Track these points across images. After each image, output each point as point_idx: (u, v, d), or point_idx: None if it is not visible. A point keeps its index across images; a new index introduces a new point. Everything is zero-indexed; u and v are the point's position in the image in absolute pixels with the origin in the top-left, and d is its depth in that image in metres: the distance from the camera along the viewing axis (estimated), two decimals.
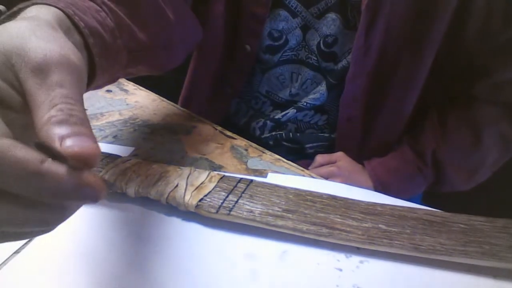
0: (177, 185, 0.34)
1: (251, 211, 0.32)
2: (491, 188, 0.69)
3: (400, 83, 0.53)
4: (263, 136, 0.61)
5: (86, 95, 0.24)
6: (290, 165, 0.43)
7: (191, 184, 0.34)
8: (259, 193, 0.34)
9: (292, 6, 0.52)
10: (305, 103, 0.57)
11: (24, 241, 0.30)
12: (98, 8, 0.32)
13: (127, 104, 0.53)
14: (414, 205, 0.35)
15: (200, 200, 0.32)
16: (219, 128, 0.49)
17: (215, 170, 0.40)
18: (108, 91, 0.57)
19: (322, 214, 0.32)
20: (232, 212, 0.32)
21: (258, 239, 0.32)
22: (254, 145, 0.46)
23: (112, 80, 0.37)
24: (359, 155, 0.59)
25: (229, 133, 0.48)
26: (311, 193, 0.35)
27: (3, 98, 0.20)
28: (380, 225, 0.31)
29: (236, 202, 0.33)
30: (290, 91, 0.58)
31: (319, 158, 0.58)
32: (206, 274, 0.29)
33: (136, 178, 0.34)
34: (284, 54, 0.56)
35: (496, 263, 0.29)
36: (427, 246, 0.30)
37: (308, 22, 0.53)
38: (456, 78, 0.57)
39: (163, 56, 0.43)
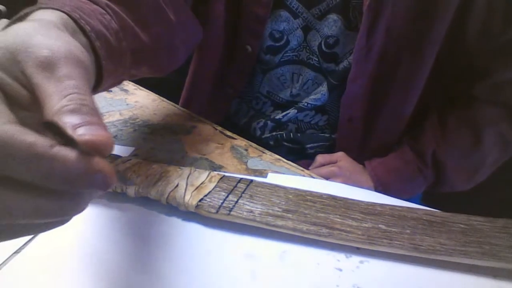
0: (177, 185, 0.34)
1: (251, 211, 0.32)
2: (491, 188, 0.69)
3: (401, 84, 0.53)
4: (263, 136, 0.61)
5: None
6: (290, 165, 0.43)
7: (191, 184, 0.34)
8: (259, 193, 0.34)
9: (293, 7, 0.52)
10: (306, 104, 0.57)
11: (24, 241, 0.30)
12: (103, 11, 0.32)
13: (127, 104, 0.53)
14: (414, 205, 0.35)
15: (200, 200, 0.32)
16: (219, 128, 0.49)
17: (215, 170, 0.40)
18: (108, 91, 0.57)
19: (322, 214, 0.32)
20: (232, 212, 0.32)
21: (258, 239, 0.32)
22: (254, 145, 0.46)
23: (117, 82, 0.37)
24: (360, 155, 0.59)
25: (229, 133, 0.48)
26: (311, 193, 0.35)
27: (11, 94, 0.19)
28: (380, 225, 0.31)
29: (236, 202, 0.33)
30: (291, 92, 0.58)
31: (320, 158, 0.58)
32: (206, 274, 0.29)
33: (136, 178, 0.34)
34: (285, 55, 0.56)
35: (496, 263, 0.29)
36: (427, 246, 0.30)
37: (310, 23, 0.53)
38: (456, 79, 0.57)
39: (165, 57, 0.43)
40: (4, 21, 0.22)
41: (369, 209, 0.33)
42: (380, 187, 0.57)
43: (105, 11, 0.32)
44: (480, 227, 0.31)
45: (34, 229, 0.19)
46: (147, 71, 0.41)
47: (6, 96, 0.19)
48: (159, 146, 0.44)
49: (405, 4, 0.47)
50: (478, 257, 0.29)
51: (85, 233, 0.32)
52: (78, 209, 0.19)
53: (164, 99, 0.56)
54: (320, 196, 0.34)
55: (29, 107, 0.20)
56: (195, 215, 0.33)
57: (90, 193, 0.19)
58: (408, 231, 0.31)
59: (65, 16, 0.27)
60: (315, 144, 0.61)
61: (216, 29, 0.56)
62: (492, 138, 0.55)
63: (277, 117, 0.60)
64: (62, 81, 0.19)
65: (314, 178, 0.41)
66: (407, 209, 0.33)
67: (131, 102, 0.54)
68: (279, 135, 0.60)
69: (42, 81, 0.19)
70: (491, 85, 0.53)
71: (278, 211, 0.32)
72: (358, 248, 0.31)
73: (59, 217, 0.18)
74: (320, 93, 0.56)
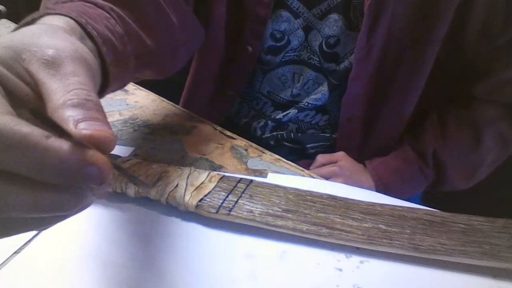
0: (177, 185, 0.34)
1: (251, 211, 0.32)
2: (491, 188, 0.69)
3: (402, 83, 0.53)
4: (264, 136, 0.61)
5: None
6: (290, 165, 0.43)
7: (191, 184, 0.34)
8: (259, 193, 0.34)
9: (294, 7, 0.52)
10: (306, 103, 0.57)
11: (24, 241, 0.30)
12: (108, 15, 0.32)
13: (127, 104, 0.53)
14: (414, 205, 0.35)
15: (200, 200, 0.32)
16: (219, 128, 0.49)
17: (215, 170, 0.40)
18: None
19: (322, 214, 0.32)
20: (232, 212, 0.32)
21: (258, 239, 0.32)
22: (254, 145, 0.46)
23: (121, 86, 0.37)
24: (360, 155, 0.59)
25: (229, 133, 0.48)
26: (311, 193, 0.35)
27: (13, 90, 0.19)
28: (380, 225, 0.31)
29: (236, 202, 0.33)
30: (292, 92, 0.58)
31: (320, 158, 0.58)
32: (206, 274, 0.29)
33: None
34: (286, 55, 0.56)
35: (496, 263, 0.29)
36: (427, 246, 0.30)
37: (310, 23, 0.53)
38: (456, 78, 0.57)
39: (167, 60, 0.43)
40: (4, 21, 0.23)
41: (369, 209, 0.33)
42: (381, 187, 0.57)
43: (110, 15, 0.32)
44: (480, 227, 0.31)
45: (35, 225, 0.19)
46: (150, 74, 0.41)
47: (7, 92, 0.19)
48: (159, 146, 0.44)
49: (406, 4, 0.47)
50: (478, 257, 0.29)
51: (85, 233, 0.32)
52: (77, 205, 0.18)
53: (164, 99, 0.56)
54: (320, 196, 0.34)
55: (32, 105, 0.20)
56: (195, 215, 0.33)
57: (89, 188, 0.19)
58: (408, 231, 0.31)
59: (72, 22, 0.27)
60: (316, 144, 0.61)
61: (217, 29, 0.56)
62: (492, 138, 0.55)
63: (278, 117, 0.60)
64: (67, 78, 0.19)
65: (314, 178, 0.41)
66: (407, 209, 0.33)
67: (131, 102, 0.54)
68: (279, 135, 0.60)
69: (47, 77, 0.19)
70: (491, 85, 0.53)
71: (278, 211, 0.32)
72: (358, 248, 0.31)
73: (57, 212, 0.18)
74: (320, 93, 0.56)
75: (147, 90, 0.58)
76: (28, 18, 0.26)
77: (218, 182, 0.35)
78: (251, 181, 0.35)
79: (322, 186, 0.37)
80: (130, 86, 0.59)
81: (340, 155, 0.58)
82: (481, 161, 0.57)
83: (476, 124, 0.55)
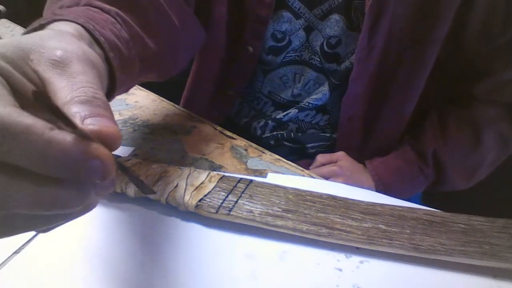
0: (177, 185, 0.34)
1: (251, 211, 0.32)
2: (491, 188, 0.69)
3: (402, 83, 0.53)
4: (264, 136, 0.61)
5: None
6: (290, 165, 0.43)
7: (191, 184, 0.34)
8: (259, 193, 0.34)
9: (295, 7, 0.52)
10: (307, 103, 0.57)
11: (24, 241, 0.30)
12: (113, 20, 0.32)
13: (127, 104, 0.53)
14: (414, 205, 0.35)
15: (200, 200, 0.32)
16: (219, 128, 0.49)
17: (215, 170, 0.40)
18: None
19: (322, 214, 0.32)
20: (232, 212, 0.32)
21: (258, 239, 0.32)
22: (253, 145, 0.46)
23: (126, 90, 0.37)
24: (360, 155, 0.59)
25: (229, 133, 0.48)
26: (311, 193, 0.35)
27: (19, 89, 0.19)
28: (379, 225, 0.31)
29: (236, 202, 0.33)
30: (292, 92, 0.58)
31: (320, 158, 0.58)
32: (206, 274, 0.29)
33: None
34: (287, 55, 0.56)
35: (496, 263, 0.29)
36: (427, 246, 0.30)
37: (312, 24, 0.53)
38: (456, 78, 0.57)
39: (169, 62, 0.43)
40: (4, 21, 0.23)
41: (369, 209, 0.33)
42: (381, 187, 0.57)
43: (116, 20, 0.32)
44: (480, 227, 0.31)
45: (37, 224, 0.19)
46: (153, 77, 0.42)
47: (14, 91, 0.19)
48: (159, 146, 0.44)
49: (407, 5, 0.47)
50: (478, 257, 0.29)
51: (85, 233, 0.32)
52: (79, 201, 0.18)
53: (164, 99, 0.56)
54: (320, 196, 0.34)
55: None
56: (195, 215, 0.33)
57: (92, 184, 0.18)
58: (408, 231, 0.31)
59: (80, 28, 0.27)
60: (316, 144, 0.61)
61: (218, 30, 0.56)
62: (492, 138, 0.55)
63: (278, 116, 0.60)
64: (74, 76, 0.20)
65: (314, 178, 0.41)
66: (407, 209, 0.33)
67: (130, 102, 0.54)
68: (279, 135, 0.60)
69: (54, 76, 0.19)
70: (491, 85, 0.53)
71: (278, 211, 0.32)
72: (358, 248, 0.31)
73: (59, 208, 0.17)
74: (321, 93, 0.56)
75: (147, 90, 0.58)
76: (35, 24, 0.26)
77: (218, 182, 0.35)
78: (251, 181, 0.35)
79: (322, 186, 0.37)
80: None
81: (340, 155, 0.58)
82: (481, 161, 0.57)
83: (476, 124, 0.55)
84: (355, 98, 0.54)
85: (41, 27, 0.26)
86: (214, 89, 0.63)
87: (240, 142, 0.46)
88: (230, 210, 0.32)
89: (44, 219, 0.19)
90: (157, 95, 0.57)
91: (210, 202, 0.33)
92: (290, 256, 0.31)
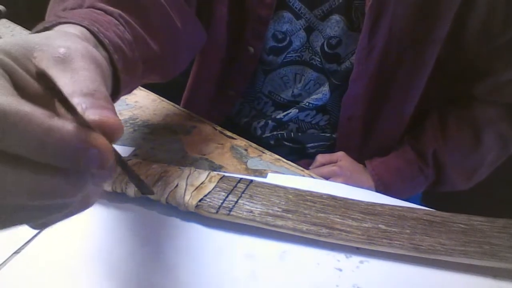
0: (177, 185, 0.34)
1: (251, 211, 0.32)
2: (491, 188, 0.69)
3: (402, 83, 0.53)
4: (264, 136, 0.61)
5: None
6: (290, 165, 0.43)
7: (191, 184, 0.34)
8: (259, 193, 0.34)
9: (296, 8, 0.52)
10: (307, 103, 0.57)
11: (24, 241, 0.30)
12: (117, 21, 0.32)
13: (127, 104, 0.53)
14: (414, 205, 0.35)
15: (200, 200, 0.32)
16: (219, 128, 0.49)
17: (215, 170, 0.40)
18: None
19: (322, 214, 0.32)
20: (232, 212, 0.32)
21: (258, 239, 0.32)
22: (254, 145, 0.46)
23: (129, 92, 0.37)
24: (360, 155, 0.59)
25: (229, 133, 0.48)
26: (311, 193, 0.35)
27: (21, 84, 0.19)
28: (379, 225, 0.31)
29: (236, 202, 0.33)
30: (293, 92, 0.58)
31: (320, 158, 0.58)
32: (206, 274, 0.29)
33: None
34: (287, 56, 0.56)
35: (496, 263, 0.29)
36: (427, 246, 0.30)
37: (312, 24, 0.53)
38: (456, 79, 0.57)
39: (171, 63, 0.43)
40: (4, 21, 0.23)
41: (369, 209, 0.33)
42: (381, 187, 0.57)
43: (119, 22, 0.33)
44: (480, 227, 0.31)
45: (36, 216, 0.18)
46: (155, 78, 0.42)
47: (16, 87, 0.19)
48: (159, 146, 0.44)
49: (407, 5, 0.47)
50: (478, 257, 0.29)
51: (85, 233, 0.32)
52: (77, 190, 0.18)
53: (164, 99, 0.56)
54: (320, 196, 0.34)
55: (39, 100, 0.20)
56: (195, 215, 0.33)
57: (90, 174, 0.18)
58: (408, 231, 0.31)
59: (85, 30, 0.27)
60: (316, 144, 0.61)
61: (218, 30, 0.56)
62: (492, 138, 0.55)
63: (278, 116, 0.60)
64: (77, 72, 0.20)
65: (314, 178, 0.41)
66: (407, 209, 0.33)
67: (131, 102, 0.54)
68: (279, 135, 0.60)
69: (57, 72, 0.19)
70: (491, 85, 0.53)
71: (278, 211, 0.32)
72: (358, 248, 0.31)
73: (58, 197, 0.17)
74: (321, 93, 0.56)
75: (147, 90, 0.58)
76: (40, 27, 0.27)
77: (218, 182, 0.35)
78: (251, 181, 0.35)
79: (322, 186, 0.37)
80: None
81: (340, 155, 0.58)
82: (481, 161, 0.57)
83: (476, 124, 0.55)
84: (355, 98, 0.54)
85: (46, 29, 0.26)
86: (215, 89, 0.63)
87: (240, 142, 0.46)
88: (230, 210, 0.32)
89: (43, 211, 0.18)
90: (157, 95, 0.57)
91: (210, 202, 0.33)
92: (290, 256, 0.31)
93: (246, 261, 0.30)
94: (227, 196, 0.33)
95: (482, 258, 0.29)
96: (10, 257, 0.29)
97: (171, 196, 0.33)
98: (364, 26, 0.48)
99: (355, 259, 0.31)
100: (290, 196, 0.34)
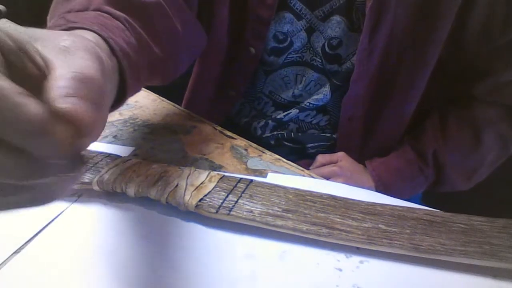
0: (177, 185, 0.34)
1: (251, 211, 0.32)
2: (491, 188, 0.69)
3: (403, 84, 0.53)
4: (264, 136, 0.61)
5: None
6: (290, 165, 0.43)
7: (191, 184, 0.34)
8: (259, 193, 0.34)
9: (297, 8, 0.52)
10: (308, 104, 0.57)
11: (24, 241, 0.30)
12: (123, 26, 0.32)
13: (127, 104, 0.53)
14: (414, 205, 0.35)
15: (200, 200, 0.32)
16: (219, 128, 0.49)
17: (215, 170, 0.40)
18: None
19: (322, 214, 0.32)
20: (232, 212, 0.32)
21: (258, 239, 0.32)
22: (254, 145, 0.46)
23: (133, 95, 0.37)
24: (361, 155, 0.59)
25: (229, 133, 0.48)
26: (311, 193, 0.35)
27: (19, 66, 0.19)
28: (380, 225, 0.31)
29: (236, 202, 0.33)
30: (293, 93, 0.58)
31: (320, 158, 0.58)
32: (206, 274, 0.29)
33: (136, 178, 0.34)
34: (288, 56, 0.56)
35: (496, 263, 0.29)
36: (427, 246, 0.30)
37: (313, 25, 0.53)
38: (456, 79, 0.57)
39: (172, 66, 0.43)
40: (4, 21, 0.23)
41: (369, 209, 0.33)
42: (381, 187, 0.57)
43: (125, 26, 0.33)
44: (480, 227, 0.31)
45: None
46: (156, 81, 0.42)
47: (14, 71, 0.18)
48: (159, 146, 0.44)
49: (407, 5, 0.47)
50: (478, 257, 0.29)
51: (85, 233, 0.32)
52: (35, 176, 0.17)
53: (164, 99, 0.56)
54: (320, 196, 0.34)
55: (38, 85, 0.19)
56: (195, 215, 0.33)
57: (55, 165, 0.18)
58: (408, 231, 0.31)
59: (98, 37, 0.28)
60: (316, 144, 0.61)
61: (220, 32, 0.56)
62: (492, 138, 0.55)
63: (278, 116, 0.60)
64: (74, 59, 0.19)
65: (314, 178, 0.41)
66: (407, 209, 0.33)
67: (131, 102, 0.54)
68: (280, 135, 0.60)
69: (55, 58, 0.19)
70: (491, 86, 0.53)
71: (278, 211, 0.32)
72: (358, 248, 0.31)
73: (17, 179, 0.17)
74: (322, 94, 0.56)
75: (147, 90, 0.58)
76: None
77: (218, 182, 0.35)
78: (251, 181, 0.35)
79: (322, 186, 0.37)
80: None
81: (340, 155, 0.58)
82: (481, 162, 0.57)
83: (476, 125, 0.55)
84: (356, 98, 0.54)
85: None
86: (216, 90, 0.63)
87: (240, 142, 0.46)
88: (230, 210, 0.32)
89: (18, 191, 0.18)
90: (157, 95, 0.57)
91: (210, 202, 0.33)
92: (290, 256, 0.31)
93: (246, 261, 0.30)
94: (227, 196, 0.33)
95: (482, 258, 0.29)
96: (10, 257, 0.29)
97: (171, 196, 0.33)
98: (365, 27, 0.48)
99: (355, 259, 0.31)
100: (290, 196, 0.34)
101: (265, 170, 0.41)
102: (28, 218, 0.33)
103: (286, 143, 0.61)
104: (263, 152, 0.44)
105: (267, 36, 0.54)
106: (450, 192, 0.61)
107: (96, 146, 0.41)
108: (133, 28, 0.34)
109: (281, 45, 0.55)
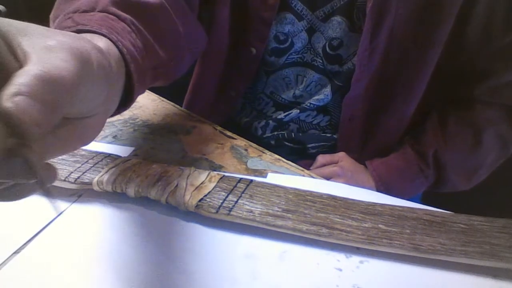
0: (177, 185, 0.34)
1: (251, 211, 0.32)
2: (491, 188, 0.69)
3: (404, 85, 0.53)
4: (264, 136, 0.61)
5: None
6: (290, 165, 0.43)
7: (191, 184, 0.34)
8: (259, 193, 0.34)
9: (298, 9, 0.52)
10: (308, 104, 0.57)
11: (24, 241, 0.30)
12: (129, 28, 0.32)
13: None
14: (414, 205, 0.35)
15: (200, 200, 0.32)
16: (219, 128, 0.49)
17: (215, 170, 0.40)
18: None
19: (322, 214, 0.32)
20: (232, 212, 0.32)
21: (258, 239, 0.32)
22: (254, 145, 0.46)
23: (136, 97, 0.37)
24: (361, 156, 0.59)
25: (229, 133, 0.48)
26: (311, 193, 0.35)
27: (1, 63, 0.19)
28: (380, 225, 0.31)
29: (236, 202, 0.33)
30: (294, 93, 0.58)
31: (321, 159, 0.58)
32: (206, 274, 0.29)
33: (136, 178, 0.34)
34: (289, 57, 0.56)
35: (496, 263, 0.29)
36: (427, 246, 0.30)
37: (314, 25, 0.53)
38: (457, 80, 0.57)
39: (174, 68, 0.43)
40: None
41: (369, 209, 0.33)
42: (382, 187, 0.57)
43: (131, 28, 0.33)
44: (480, 227, 0.31)
45: None
46: (158, 83, 0.42)
47: None
48: (159, 146, 0.44)
49: (408, 6, 0.47)
50: (478, 257, 0.29)
51: (85, 233, 0.32)
52: None
53: (164, 99, 0.56)
54: (320, 196, 0.34)
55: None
56: (195, 215, 0.33)
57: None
58: (408, 231, 0.31)
59: (108, 41, 0.27)
60: (317, 144, 0.61)
61: (221, 32, 0.56)
62: (492, 139, 0.55)
63: (279, 117, 0.60)
64: (50, 59, 0.19)
65: (314, 178, 0.41)
66: (407, 209, 0.33)
67: None
68: (280, 135, 0.60)
69: (35, 56, 0.19)
70: (491, 87, 0.53)
71: (278, 211, 0.32)
72: (358, 248, 0.31)
73: None
74: (323, 94, 0.56)
75: (147, 90, 0.58)
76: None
77: (218, 182, 0.35)
78: (251, 181, 0.35)
79: (322, 186, 0.37)
80: None
81: (341, 155, 0.58)
82: (481, 162, 0.57)
83: (476, 125, 0.55)
84: (356, 98, 0.54)
85: None
86: (216, 90, 0.63)
87: (240, 142, 0.46)
88: (230, 210, 0.32)
89: None
90: (157, 95, 0.57)
91: (210, 202, 0.33)
92: (290, 256, 0.31)
93: (246, 261, 0.30)
94: (227, 196, 0.33)
95: (482, 258, 0.29)
96: (10, 257, 0.29)
97: (171, 196, 0.33)
98: (365, 27, 0.48)
99: (355, 259, 0.31)
100: (290, 196, 0.34)
101: (265, 170, 0.41)
102: (28, 218, 0.33)
103: (286, 143, 0.61)
104: (263, 152, 0.44)
105: (268, 37, 0.54)
106: (450, 192, 0.61)
107: (96, 146, 0.41)
108: (139, 30, 0.34)
109: (282, 46, 0.55)
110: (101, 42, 0.27)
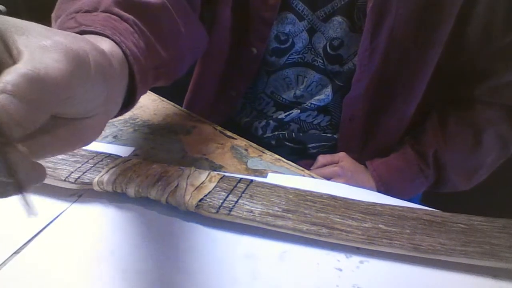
0: (177, 185, 0.34)
1: (251, 211, 0.32)
2: (491, 188, 0.69)
3: (404, 85, 0.53)
4: (265, 136, 0.61)
5: None
6: (290, 165, 0.43)
7: (191, 184, 0.34)
8: (259, 193, 0.34)
9: (299, 9, 0.52)
10: (309, 104, 0.57)
11: (24, 241, 0.30)
12: (132, 29, 0.32)
13: None
14: (414, 205, 0.35)
15: (200, 200, 0.32)
16: (219, 128, 0.49)
17: (215, 170, 0.40)
18: None
19: (322, 214, 0.32)
20: (232, 212, 0.32)
21: (258, 239, 0.32)
22: (254, 145, 0.46)
23: (139, 98, 0.37)
24: (361, 156, 0.59)
25: (229, 133, 0.48)
26: (311, 193, 0.35)
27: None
28: (380, 225, 0.31)
29: (236, 202, 0.33)
30: (295, 93, 0.58)
31: (321, 159, 0.58)
32: (206, 274, 0.29)
33: (136, 178, 0.34)
34: (290, 57, 0.56)
35: (496, 263, 0.29)
36: (427, 246, 0.30)
37: (315, 25, 0.53)
38: (457, 80, 0.57)
39: (176, 68, 0.43)
40: None
41: (369, 209, 0.33)
42: (382, 187, 0.57)
43: (133, 29, 0.33)
44: (480, 227, 0.31)
45: None
46: (160, 83, 0.42)
47: None
48: (159, 146, 0.44)
49: (409, 6, 0.47)
50: (478, 257, 0.29)
51: (85, 233, 0.32)
52: None
53: (164, 99, 0.56)
54: (320, 196, 0.34)
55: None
56: (195, 215, 0.33)
57: None
58: (408, 231, 0.31)
59: (112, 42, 0.27)
60: (317, 144, 0.61)
61: (222, 32, 0.56)
62: (492, 139, 0.55)
63: (280, 117, 0.60)
64: (42, 59, 0.19)
65: (314, 178, 0.41)
66: (407, 209, 0.33)
67: None
68: (281, 135, 0.60)
69: (29, 55, 0.19)
70: (491, 87, 0.53)
71: (278, 211, 0.32)
72: (358, 248, 0.31)
73: None
74: (324, 94, 0.57)
75: (148, 91, 0.58)
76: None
77: (218, 182, 0.35)
78: (251, 181, 0.35)
79: (322, 186, 0.37)
80: None
81: (341, 155, 0.58)
82: (481, 162, 0.57)
83: (476, 126, 0.55)
84: (357, 98, 0.54)
85: None
86: (217, 90, 0.63)
87: (241, 142, 0.46)
88: (230, 210, 0.32)
89: None
90: (158, 95, 0.57)
91: (210, 202, 0.33)
92: (290, 256, 0.31)
93: (246, 261, 0.30)
94: (227, 196, 0.33)
95: (482, 258, 0.29)
96: (10, 257, 0.29)
97: (171, 196, 0.33)
98: (366, 27, 0.48)
99: (355, 259, 0.31)
100: (290, 196, 0.34)
101: (265, 170, 0.41)
102: (28, 218, 0.33)
103: (287, 143, 0.61)
104: (263, 152, 0.44)
105: (269, 37, 0.54)
106: (450, 192, 0.61)
107: (97, 146, 0.41)
108: (141, 31, 0.34)
109: (282, 46, 0.55)
110: (105, 44, 0.27)
